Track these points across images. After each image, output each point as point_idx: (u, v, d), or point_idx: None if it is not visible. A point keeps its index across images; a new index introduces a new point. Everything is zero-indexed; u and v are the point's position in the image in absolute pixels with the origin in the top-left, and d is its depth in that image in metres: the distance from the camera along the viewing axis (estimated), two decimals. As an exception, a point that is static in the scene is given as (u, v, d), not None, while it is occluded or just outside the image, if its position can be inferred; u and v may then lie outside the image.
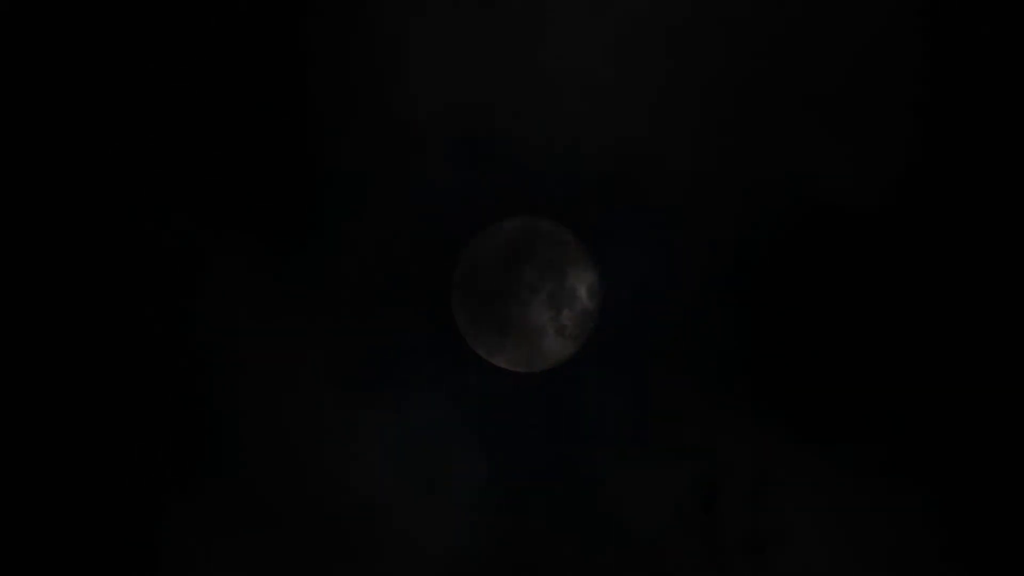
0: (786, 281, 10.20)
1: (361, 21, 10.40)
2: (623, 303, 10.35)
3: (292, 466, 10.30)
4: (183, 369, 10.29)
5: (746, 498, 10.15)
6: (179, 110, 10.38)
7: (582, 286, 10.18)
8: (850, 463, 10.06)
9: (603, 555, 10.24)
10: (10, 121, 10.36)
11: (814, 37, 10.17)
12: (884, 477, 10.00)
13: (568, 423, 10.38)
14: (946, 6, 10.06)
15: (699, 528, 10.19)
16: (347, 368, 10.36)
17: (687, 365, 10.28)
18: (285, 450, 10.31)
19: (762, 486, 10.12)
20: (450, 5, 10.36)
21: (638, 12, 10.25)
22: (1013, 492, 9.92)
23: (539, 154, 10.38)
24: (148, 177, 10.36)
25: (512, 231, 10.25)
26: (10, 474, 10.17)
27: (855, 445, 10.05)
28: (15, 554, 10.10)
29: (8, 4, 10.53)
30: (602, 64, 10.33)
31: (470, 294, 10.17)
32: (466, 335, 10.27)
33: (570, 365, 10.35)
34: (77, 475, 10.21)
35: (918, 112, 10.09)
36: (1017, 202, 10.00)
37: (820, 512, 10.07)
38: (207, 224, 10.33)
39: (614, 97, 10.31)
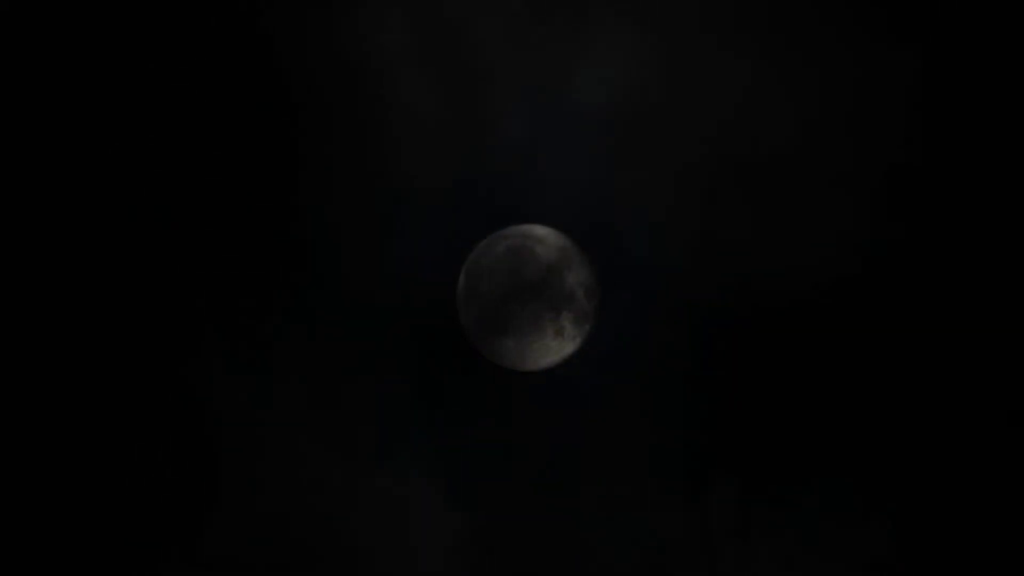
0: (785, 281, 10.53)
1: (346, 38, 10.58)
2: (619, 307, 10.71)
3: (295, 482, 10.57)
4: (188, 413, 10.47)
5: (735, 489, 10.53)
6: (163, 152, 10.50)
7: (580, 289, 10.52)
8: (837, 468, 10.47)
9: (596, 548, 10.61)
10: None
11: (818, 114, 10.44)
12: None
13: (565, 420, 10.76)
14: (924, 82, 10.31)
15: (690, 516, 10.56)
16: (347, 372, 10.63)
17: (683, 365, 10.63)
18: (287, 471, 10.56)
19: (752, 480, 10.52)
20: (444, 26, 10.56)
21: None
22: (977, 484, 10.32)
23: (540, 163, 10.67)
24: (139, 231, 10.44)
25: (512, 237, 10.55)
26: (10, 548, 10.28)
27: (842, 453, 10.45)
28: None
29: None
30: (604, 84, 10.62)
31: (473, 298, 10.48)
32: (469, 337, 10.60)
33: (570, 365, 10.72)
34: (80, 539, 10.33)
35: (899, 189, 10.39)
36: (984, 293, 10.29)
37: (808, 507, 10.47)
38: (202, 247, 10.52)
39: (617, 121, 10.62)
